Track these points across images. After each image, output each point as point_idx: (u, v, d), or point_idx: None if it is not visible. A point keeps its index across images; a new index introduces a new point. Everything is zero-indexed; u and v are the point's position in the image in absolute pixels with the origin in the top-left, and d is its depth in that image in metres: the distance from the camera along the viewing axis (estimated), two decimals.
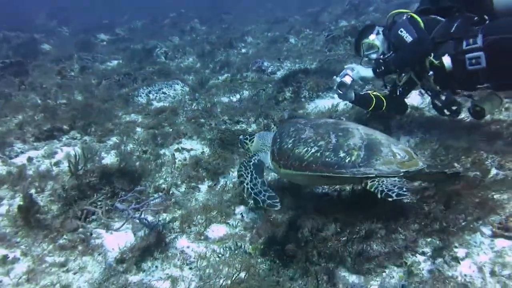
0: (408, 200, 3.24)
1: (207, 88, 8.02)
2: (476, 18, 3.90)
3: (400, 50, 4.19)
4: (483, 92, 4.15)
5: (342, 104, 5.88)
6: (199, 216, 3.71)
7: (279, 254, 3.07)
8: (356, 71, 4.48)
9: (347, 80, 4.42)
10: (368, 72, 4.46)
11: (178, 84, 7.28)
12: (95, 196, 3.55)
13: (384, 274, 2.75)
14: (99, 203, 3.53)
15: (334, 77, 4.63)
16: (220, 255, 3.19)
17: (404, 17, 4.27)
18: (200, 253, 3.23)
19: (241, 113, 6.26)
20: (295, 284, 2.77)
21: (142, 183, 4.09)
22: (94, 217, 3.54)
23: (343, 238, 2.93)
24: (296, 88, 6.92)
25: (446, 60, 3.96)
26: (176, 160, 4.83)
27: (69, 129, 5.52)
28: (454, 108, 4.36)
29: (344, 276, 2.79)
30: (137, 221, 3.40)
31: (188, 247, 3.32)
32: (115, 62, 11.09)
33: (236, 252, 3.20)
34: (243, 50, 12.11)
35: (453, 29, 3.99)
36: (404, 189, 2.79)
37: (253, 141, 4.02)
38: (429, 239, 2.90)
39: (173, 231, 3.50)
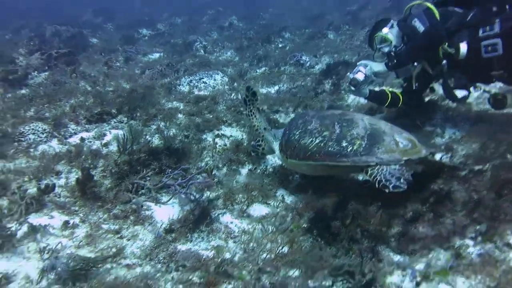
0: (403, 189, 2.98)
1: (245, 79, 8.14)
2: (495, 8, 3.80)
3: (412, 40, 4.17)
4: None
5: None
6: (240, 195, 3.83)
7: (321, 233, 3.15)
8: (369, 67, 4.51)
9: (360, 76, 4.45)
10: (381, 67, 4.48)
11: (218, 74, 7.46)
12: (144, 171, 3.73)
13: (430, 255, 2.73)
14: (148, 178, 3.71)
15: (348, 74, 4.64)
16: (263, 231, 3.29)
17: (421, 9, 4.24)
18: (243, 229, 3.35)
19: (279, 103, 6.35)
20: (339, 260, 2.81)
21: (186, 163, 4.25)
22: (143, 191, 3.74)
23: (387, 219, 2.94)
24: (336, 81, 6.92)
25: (463, 47, 3.90)
26: (217, 145, 4.98)
27: (117, 113, 5.79)
28: (464, 94, 4.36)
29: (389, 255, 2.81)
30: (183, 196, 3.55)
31: (231, 222, 3.46)
32: (157, 55, 11.45)
33: (278, 229, 3.28)
34: (281, 45, 12.16)
35: (469, 17, 3.93)
36: (402, 180, 2.86)
37: (265, 142, 4.15)
38: (478, 227, 2.81)
39: (217, 208, 3.64)
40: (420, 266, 2.61)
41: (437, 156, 3.84)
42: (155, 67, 8.24)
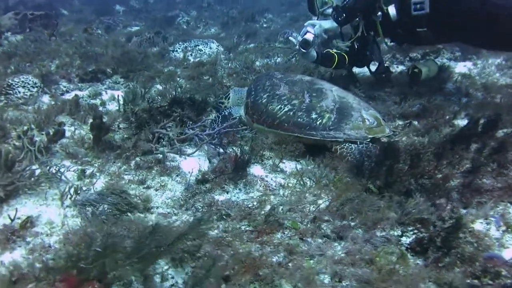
0: None
1: (238, 52, 7.83)
2: None
3: None
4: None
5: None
6: (268, 152, 3.56)
7: (367, 187, 2.91)
8: (318, 26, 4.51)
9: (309, 37, 4.35)
10: (330, 23, 4.46)
11: (213, 43, 7.09)
12: (164, 121, 3.37)
13: (498, 208, 2.57)
14: (169, 129, 3.36)
15: (290, 37, 4.63)
16: (302, 185, 3.04)
17: None
18: (280, 183, 3.08)
19: (282, 70, 6.10)
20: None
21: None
22: (164, 143, 3.38)
23: (444, 169, 2.76)
24: None
25: (391, 10, 4.23)
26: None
27: (112, 73, 5.32)
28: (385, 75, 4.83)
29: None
30: (212, 147, 3.24)
31: (266, 176, 3.18)
32: (137, 28, 10.81)
33: (319, 183, 3.03)
34: (265, 25, 11.90)
35: None
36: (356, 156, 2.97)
37: (229, 98, 4.07)
38: None
39: (247, 161, 3.34)
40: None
41: None
42: (143, 34, 7.71)
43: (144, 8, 14.91)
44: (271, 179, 3.13)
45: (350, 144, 3.15)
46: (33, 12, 7.76)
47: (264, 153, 3.51)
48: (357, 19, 4.49)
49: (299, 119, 3.31)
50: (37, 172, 2.64)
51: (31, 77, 4.41)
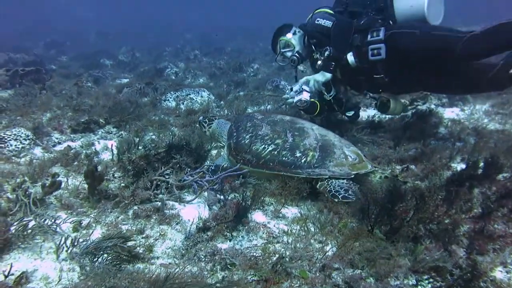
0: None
1: (229, 100, 7.96)
2: (380, 19, 4.42)
3: (331, 38, 4.48)
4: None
5: (377, 116, 5.90)
6: (268, 198, 3.50)
7: (373, 231, 2.84)
8: (313, 81, 4.73)
9: (306, 97, 4.59)
10: (322, 76, 4.68)
11: (204, 92, 7.21)
12: (162, 168, 3.32)
13: None
14: (167, 176, 3.29)
15: (285, 96, 4.89)
16: (306, 232, 2.95)
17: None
18: (283, 229, 3.00)
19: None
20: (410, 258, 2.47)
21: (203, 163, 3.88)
22: (161, 190, 3.30)
23: (454, 213, 2.71)
24: None
25: (350, 57, 4.42)
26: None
27: (105, 123, 5.30)
28: (353, 112, 5.04)
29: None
30: (212, 193, 3.18)
31: (268, 222, 3.10)
32: (125, 80, 10.98)
33: (323, 228, 2.95)
34: (252, 74, 12.24)
35: (361, 24, 4.44)
36: (350, 192, 3.04)
37: (211, 126, 4.11)
38: None
39: (248, 208, 3.27)
40: None
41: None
42: (134, 84, 7.80)
43: (132, 62, 15.26)
44: (274, 226, 3.05)
45: (333, 180, 3.21)
46: (24, 68, 7.83)
47: (264, 198, 3.46)
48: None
49: (284, 158, 3.36)
50: (31, 224, 2.51)
51: (23, 130, 4.35)
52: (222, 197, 3.20)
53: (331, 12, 4.65)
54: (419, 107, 6.06)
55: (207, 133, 4.02)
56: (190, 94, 6.87)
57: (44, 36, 22.62)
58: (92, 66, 13.10)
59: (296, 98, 4.62)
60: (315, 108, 4.85)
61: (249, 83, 9.95)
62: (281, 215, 3.21)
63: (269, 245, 2.75)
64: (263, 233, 2.92)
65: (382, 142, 4.61)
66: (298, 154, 3.35)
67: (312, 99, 4.83)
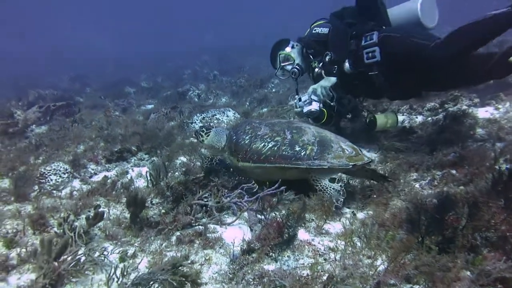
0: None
1: (254, 116, 7.99)
2: (373, 24, 4.60)
3: (330, 42, 4.64)
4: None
5: (407, 122, 5.79)
6: (307, 215, 3.43)
7: (424, 242, 2.72)
8: (320, 89, 4.67)
9: (315, 107, 4.66)
10: (329, 80, 4.74)
11: (229, 111, 7.27)
12: (200, 192, 3.32)
13: None
14: (205, 200, 3.29)
15: (296, 109, 4.95)
16: (352, 247, 2.87)
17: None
18: (329, 246, 2.93)
19: None
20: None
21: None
22: (202, 214, 3.29)
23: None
24: None
25: (346, 65, 4.58)
26: None
27: (137, 151, 5.40)
28: (354, 114, 5.11)
29: None
30: (253, 213, 3.15)
31: (312, 240, 3.04)
32: (150, 106, 11.22)
33: (370, 242, 2.86)
34: (274, 90, 12.27)
35: (355, 31, 4.65)
36: (341, 193, 3.37)
37: (208, 135, 4.11)
38: None
39: (290, 226, 3.22)
40: None
41: None
42: (160, 110, 7.96)
43: (154, 87, 15.60)
44: (319, 243, 2.99)
45: (326, 182, 3.41)
46: (55, 103, 8.13)
47: (304, 215, 3.40)
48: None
49: (284, 152, 3.48)
50: (82, 258, 2.54)
51: (62, 164, 4.47)
52: (262, 216, 3.17)
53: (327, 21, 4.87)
54: (450, 109, 5.90)
55: (204, 141, 4.01)
56: (215, 115, 6.95)
57: (66, 69, 23.45)
58: (117, 96, 13.47)
59: (306, 109, 4.70)
60: (323, 115, 4.90)
61: (272, 99, 9.97)
62: (324, 231, 3.15)
63: (317, 264, 2.68)
64: (309, 251, 2.86)
65: (418, 148, 4.48)
66: (297, 148, 3.48)
67: (322, 108, 4.87)
